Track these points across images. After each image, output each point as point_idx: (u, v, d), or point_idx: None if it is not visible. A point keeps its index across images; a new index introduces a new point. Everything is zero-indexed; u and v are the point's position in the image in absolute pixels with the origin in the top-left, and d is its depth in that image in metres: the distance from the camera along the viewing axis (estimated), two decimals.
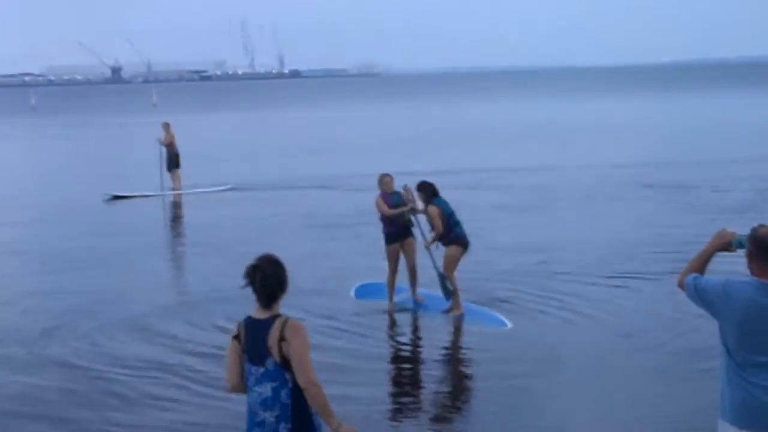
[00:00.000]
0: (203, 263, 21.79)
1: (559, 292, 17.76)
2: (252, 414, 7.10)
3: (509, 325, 15.61)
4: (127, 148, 53.72)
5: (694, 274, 6.90)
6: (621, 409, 11.91)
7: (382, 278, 17.54)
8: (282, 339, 6.94)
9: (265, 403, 7.02)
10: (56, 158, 51.10)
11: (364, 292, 17.84)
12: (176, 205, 31.78)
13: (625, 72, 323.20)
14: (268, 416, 7.01)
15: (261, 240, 23.77)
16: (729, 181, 32.44)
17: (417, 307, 17.00)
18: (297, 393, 6.98)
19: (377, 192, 16.80)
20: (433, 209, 15.96)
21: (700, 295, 6.83)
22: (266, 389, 7.01)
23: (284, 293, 7.12)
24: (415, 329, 16.25)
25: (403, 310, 16.95)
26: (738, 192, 30.01)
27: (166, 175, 33.46)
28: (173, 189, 33.38)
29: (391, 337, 15.87)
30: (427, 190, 16.10)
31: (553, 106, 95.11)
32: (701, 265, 6.96)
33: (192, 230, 26.85)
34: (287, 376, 6.97)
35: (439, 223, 15.91)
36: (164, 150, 33.65)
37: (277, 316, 7.05)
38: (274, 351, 6.95)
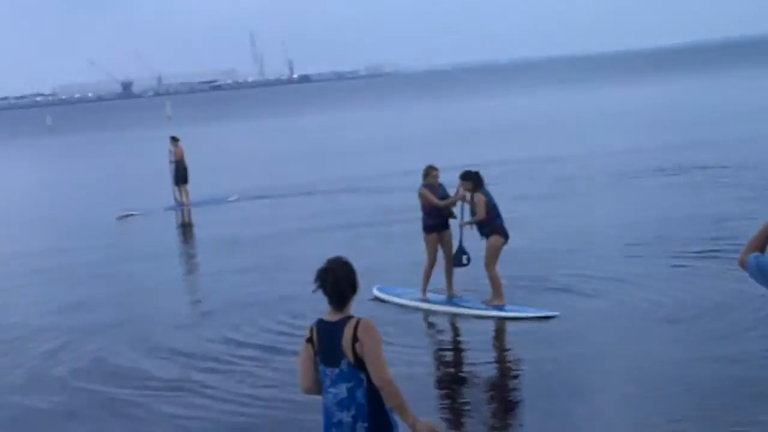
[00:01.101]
0: (219, 276, 21.62)
1: (599, 277, 17.95)
2: (329, 415, 7.19)
3: (555, 313, 15.73)
4: (144, 163, 53.69)
5: (755, 253, 6.90)
6: (660, 410, 11.69)
7: (410, 276, 17.83)
8: (355, 339, 7.02)
9: (342, 404, 7.11)
10: (75, 177, 51.17)
11: (385, 293, 17.94)
12: (186, 220, 31.36)
13: (637, 56, 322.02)
14: (345, 416, 7.09)
15: (281, 246, 23.99)
16: (748, 159, 32.40)
17: (453, 301, 17.05)
18: (372, 392, 7.06)
19: (419, 184, 17.01)
20: (479, 196, 16.19)
21: (764, 273, 6.83)
22: (341, 390, 7.10)
23: (355, 294, 7.22)
24: (455, 327, 16.18)
25: (440, 307, 16.95)
26: (759, 170, 29.95)
27: (176, 189, 33.38)
28: (182, 204, 33.10)
29: (431, 337, 15.96)
30: (474, 179, 16.29)
31: (566, 95, 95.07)
32: (761, 243, 6.96)
33: (207, 243, 26.48)
34: (362, 375, 7.06)
35: (483, 210, 16.07)
36: (173, 164, 33.46)
37: (349, 317, 7.15)
38: (348, 352, 7.04)
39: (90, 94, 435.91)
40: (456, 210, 17.08)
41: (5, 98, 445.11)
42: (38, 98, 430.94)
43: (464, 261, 16.93)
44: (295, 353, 14.25)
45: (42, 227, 32.26)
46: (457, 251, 16.97)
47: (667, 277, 17.73)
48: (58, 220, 33.27)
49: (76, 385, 14.30)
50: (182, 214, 32.12)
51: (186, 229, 30.19)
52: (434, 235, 17.03)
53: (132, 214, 32.05)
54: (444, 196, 16.91)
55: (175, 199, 33.26)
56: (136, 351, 15.81)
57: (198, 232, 29.20)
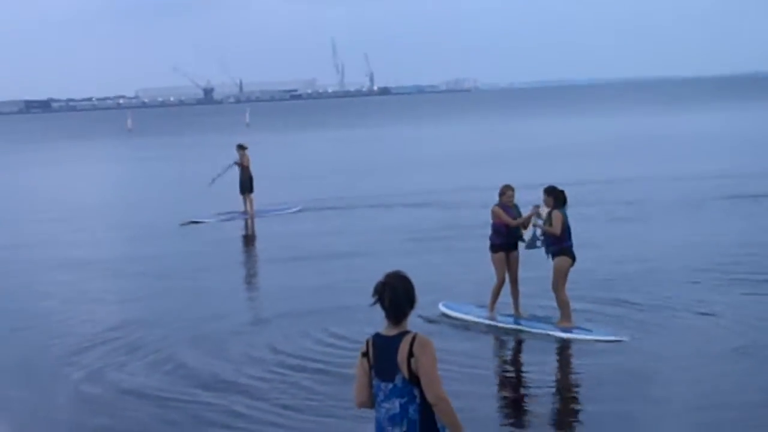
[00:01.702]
0: (274, 286, 21.40)
1: (670, 301, 17.62)
2: (380, 430, 7.10)
3: (624, 338, 15.44)
4: (217, 169, 53.82)
5: None
6: None
7: (478, 291, 17.66)
8: (411, 355, 6.92)
9: (394, 419, 7.01)
10: (148, 179, 51.45)
11: (451, 309, 17.67)
12: (250, 229, 30.72)
13: (713, 82, 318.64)
14: None
15: (342, 259, 23.81)
16: None
17: (520, 322, 16.78)
18: (425, 408, 6.95)
19: (495, 202, 16.91)
20: (557, 214, 15.93)
21: None
22: (394, 405, 7.00)
23: (413, 309, 7.09)
24: (519, 348, 15.85)
25: (506, 326, 16.64)
26: None
27: (239, 198, 32.62)
28: (245, 213, 32.51)
29: (492, 357, 15.59)
30: (557, 195, 16.07)
31: (640, 118, 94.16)
32: None
33: (266, 253, 26.15)
34: (415, 391, 6.95)
35: (559, 226, 15.83)
36: (238, 172, 32.71)
37: (406, 332, 7.04)
38: (403, 367, 6.94)
39: (172, 99, 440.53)
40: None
41: (89, 99, 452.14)
42: (121, 101, 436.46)
43: (538, 244, 16.41)
44: (320, 372, 14.17)
45: (105, 230, 32.24)
46: (531, 237, 16.52)
47: (741, 305, 17.30)
48: (124, 224, 33.23)
49: (94, 392, 14.14)
50: (245, 224, 31.61)
51: (248, 238, 29.66)
52: (501, 254, 16.84)
53: (196, 222, 31.49)
54: (516, 217, 16.70)
55: (240, 207, 32.67)
56: (159, 365, 15.43)
57: (260, 241, 28.94)
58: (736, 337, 15.31)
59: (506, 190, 16.80)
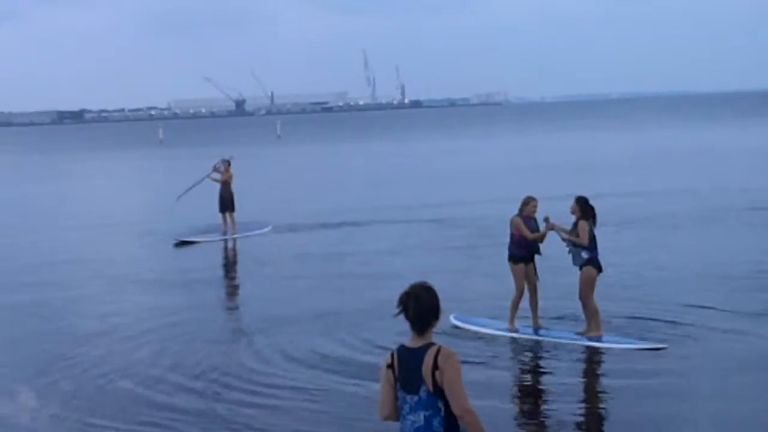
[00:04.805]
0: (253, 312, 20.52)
1: (702, 311, 17.75)
2: None
3: (662, 345, 15.48)
4: (245, 182, 53.69)
5: None
6: None
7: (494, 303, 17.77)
8: (435, 367, 6.91)
9: None
10: (167, 192, 51.07)
11: (462, 321, 17.52)
12: (233, 249, 29.29)
13: (746, 97, 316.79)
14: None
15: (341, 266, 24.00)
16: None
17: (540, 333, 16.70)
18: (449, 421, 6.95)
19: (515, 213, 16.81)
20: (583, 224, 15.92)
21: None
22: (419, 417, 6.99)
23: (438, 321, 7.08)
24: (541, 359, 15.62)
25: (528, 335, 16.62)
26: None
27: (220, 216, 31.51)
28: (224, 232, 31.15)
29: (514, 368, 15.43)
30: (584, 207, 16.06)
31: (670, 132, 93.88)
32: None
33: (249, 271, 25.52)
34: (440, 404, 6.94)
35: (586, 236, 15.84)
36: (219, 189, 31.56)
37: (430, 344, 7.02)
38: (428, 379, 6.93)
39: (203, 110, 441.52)
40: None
41: (121, 110, 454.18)
42: (152, 112, 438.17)
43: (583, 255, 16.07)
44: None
45: (100, 245, 31.59)
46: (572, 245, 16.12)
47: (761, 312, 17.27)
48: (127, 237, 32.64)
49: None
50: (225, 243, 30.23)
51: (232, 259, 28.28)
52: (521, 265, 16.76)
53: (191, 241, 30.20)
54: (536, 229, 16.65)
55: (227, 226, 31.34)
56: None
57: (243, 259, 27.95)
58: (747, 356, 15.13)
59: (530, 201, 16.76)
